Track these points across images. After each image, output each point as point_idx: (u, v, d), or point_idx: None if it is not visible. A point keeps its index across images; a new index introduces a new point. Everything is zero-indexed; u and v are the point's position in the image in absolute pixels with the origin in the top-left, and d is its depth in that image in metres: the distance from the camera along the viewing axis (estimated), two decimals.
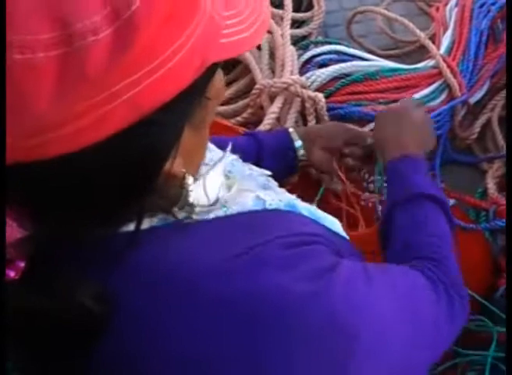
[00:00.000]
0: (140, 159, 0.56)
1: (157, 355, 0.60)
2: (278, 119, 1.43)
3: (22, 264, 0.58)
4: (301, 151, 1.18)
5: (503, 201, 1.32)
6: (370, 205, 1.27)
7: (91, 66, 0.48)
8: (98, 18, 0.47)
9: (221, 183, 0.74)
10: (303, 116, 1.44)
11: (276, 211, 0.74)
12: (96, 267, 0.62)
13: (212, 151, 0.85)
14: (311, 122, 1.41)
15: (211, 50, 0.56)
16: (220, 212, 0.69)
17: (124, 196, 0.58)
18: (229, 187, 0.76)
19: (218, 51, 0.57)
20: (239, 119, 1.51)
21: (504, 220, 1.27)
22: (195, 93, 0.58)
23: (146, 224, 0.63)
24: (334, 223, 0.83)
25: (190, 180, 0.64)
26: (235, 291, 0.61)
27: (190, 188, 0.65)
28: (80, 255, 0.62)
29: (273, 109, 1.41)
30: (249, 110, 1.51)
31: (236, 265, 0.62)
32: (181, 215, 0.67)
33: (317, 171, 1.29)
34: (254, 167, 0.93)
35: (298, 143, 1.18)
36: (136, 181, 0.57)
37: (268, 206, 0.73)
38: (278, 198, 0.76)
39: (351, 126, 1.25)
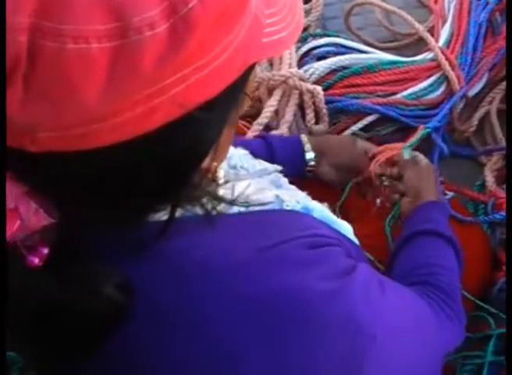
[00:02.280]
0: (181, 155, 0.56)
1: (181, 345, 0.61)
2: (276, 112, 1.43)
3: (45, 251, 0.58)
4: (312, 163, 1.22)
5: (502, 194, 1.32)
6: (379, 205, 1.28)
7: (145, 61, 0.47)
8: (156, 12, 0.47)
9: (247, 185, 0.76)
10: (301, 108, 1.44)
11: (294, 212, 0.76)
12: (120, 256, 0.62)
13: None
14: (310, 115, 1.41)
15: (253, 49, 0.56)
16: (242, 208, 0.70)
17: (161, 190, 0.58)
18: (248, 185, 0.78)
19: (259, 50, 0.57)
20: None
21: (502, 213, 1.27)
22: (236, 91, 0.58)
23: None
24: (345, 228, 0.85)
25: (221, 173, 0.65)
26: (260, 286, 0.62)
27: (220, 181, 0.66)
28: (105, 243, 0.62)
29: (271, 102, 1.41)
30: None
31: (261, 259, 0.63)
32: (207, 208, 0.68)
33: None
34: (264, 162, 0.94)
35: (310, 155, 1.21)
36: (174, 176, 0.57)
37: (285, 206, 0.75)
38: (294, 199, 0.77)
39: (361, 146, 1.27)
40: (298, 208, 0.77)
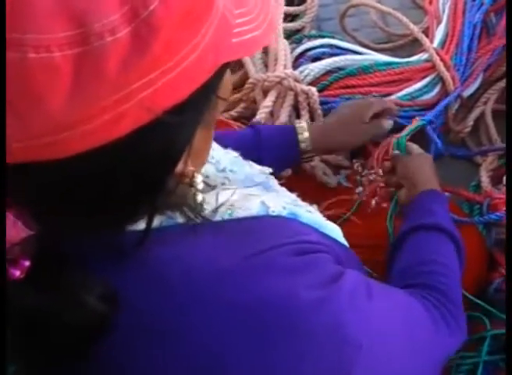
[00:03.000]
0: (154, 160, 0.55)
1: (168, 354, 0.60)
2: (271, 113, 1.43)
3: (27, 263, 0.57)
4: (307, 143, 1.20)
5: (497, 194, 1.32)
6: (364, 198, 1.27)
7: (109, 66, 0.47)
8: (116, 17, 0.47)
9: (232, 192, 0.74)
10: (296, 109, 1.44)
11: (279, 218, 0.74)
12: (103, 266, 0.61)
13: (214, 150, 0.85)
14: (305, 116, 1.41)
15: (223, 49, 0.55)
16: (225, 215, 0.70)
17: (136, 196, 0.58)
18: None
19: (229, 51, 0.57)
20: (232, 113, 1.50)
21: (498, 213, 1.26)
22: (208, 93, 0.57)
23: (154, 223, 0.63)
24: (334, 230, 0.84)
25: (198, 178, 0.64)
26: (245, 293, 0.61)
27: (199, 187, 0.64)
28: (87, 253, 0.61)
29: (266, 103, 1.41)
30: (242, 104, 1.50)
31: (246, 266, 0.62)
32: (189, 215, 0.67)
33: (310, 167, 1.30)
34: (254, 165, 0.93)
35: (305, 135, 1.19)
36: (148, 181, 0.57)
37: (271, 212, 0.73)
38: (280, 204, 0.76)
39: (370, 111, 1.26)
40: (284, 213, 0.75)
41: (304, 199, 0.89)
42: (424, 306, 0.83)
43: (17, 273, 0.57)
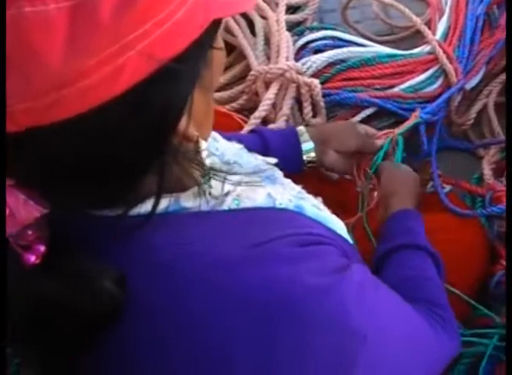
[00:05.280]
0: (155, 116, 0.56)
1: (171, 341, 0.61)
2: (273, 105, 1.43)
3: (42, 248, 0.57)
4: (312, 154, 1.19)
5: (500, 186, 1.32)
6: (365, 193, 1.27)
7: (103, 17, 0.48)
8: None
9: (238, 182, 0.74)
10: (298, 102, 1.44)
11: (285, 210, 0.75)
12: (112, 250, 0.62)
13: (219, 142, 0.85)
14: (307, 108, 1.41)
15: (213, 5, 0.57)
16: (233, 205, 0.70)
17: (142, 159, 0.58)
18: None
19: (219, 7, 0.58)
20: (234, 105, 1.50)
21: (500, 206, 1.26)
22: (202, 49, 0.59)
23: (161, 206, 0.63)
24: (338, 225, 0.84)
25: (203, 144, 0.64)
26: (249, 281, 0.61)
27: (204, 153, 0.64)
28: (96, 236, 0.62)
29: (269, 96, 1.40)
30: (244, 96, 1.50)
31: (251, 255, 0.62)
32: (196, 200, 0.67)
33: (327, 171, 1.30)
34: (259, 156, 0.93)
35: (309, 145, 1.19)
36: (152, 141, 0.57)
37: (277, 205, 0.74)
38: (287, 197, 0.76)
39: (362, 129, 1.27)
40: (291, 206, 0.75)
41: (310, 193, 0.89)
42: (419, 312, 0.83)
43: (32, 258, 0.57)
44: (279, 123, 1.39)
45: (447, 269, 1.08)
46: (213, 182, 0.68)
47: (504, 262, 1.24)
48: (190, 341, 0.60)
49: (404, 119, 1.39)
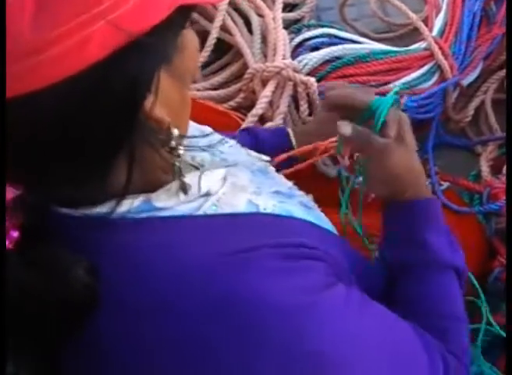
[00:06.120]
0: (122, 89, 0.57)
1: (143, 336, 0.61)
2: (270, 103, 1.43)
3: (15, 234, 0.58)
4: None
5: (497, 183, 1.32)
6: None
7: None
8: None
9: (217, 181, 0.73)
10: (295, 100, 1.44)
11: (271, 215, 0.73)
12: (84, 240, 0.63)
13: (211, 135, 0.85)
14: (304, 106, 1.40)
15: None
16: (210, 210, 0.69)
17: (109, 133, 0.59)
18: (224, 179, 0.75)
19: None
20: (231, 103, 1.50)
21: (498, 203, 1.26)
22: (170, 28, 0.61)
23: (132, 205, 0.64)
24: (329, 224, 0.83)
25: (175, 131, 0.64)
26: (220, 289, 0.60)
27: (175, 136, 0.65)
28: (69, 225, 0.63)
29: (265, 94, 1.40)
30: (241, 95, 1.50)
31: (226, 263, 0.62)
32: (170, 200, 0.67)
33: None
34: (252, 152, 0.93)
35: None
36: (119, 115, 0.58)
37: (262, 210, 0.72)
38: (271, 203, 0.74)
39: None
40: (276, 211, 0.73)
41: (303, 189, 0.88)
42: (421, 340, 0.75)
43: (6, 243, 0.58)
44: (277, 121, 1.39)
45: None
46: (190, 179, 0.68)
47: (503, 260, 1.24)
48: (165, 330, 0.61)
49: None
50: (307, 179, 0.97)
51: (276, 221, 0.73)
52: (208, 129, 0.87)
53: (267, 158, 0.93)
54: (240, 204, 0.71)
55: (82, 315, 0.61)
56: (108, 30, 0.53)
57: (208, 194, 0.70)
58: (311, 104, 1.42)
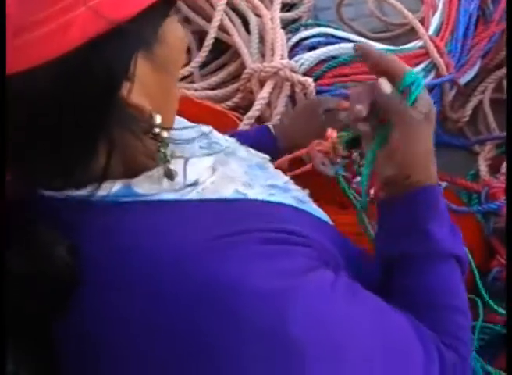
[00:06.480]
0: (99, 74, 0.59)
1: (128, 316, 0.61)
2: (268, 103, 1.43)
3: None
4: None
5: (495, 183, 1.32)
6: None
7: None
8: None
9: (205, 168, 0.73)
10: (292, 100, 1.44)
11: (259, 201, 0.72)
12: (68, 220, 0.64)
13: (195, 127, 0.84)
14: None
15: None
16: (195, 196, 0.69)
17: (89, 120, 0.60)
18: (214, 169, 0.74)
19: None
20: (229, 103, 1.51)
21: (496, 202, 1.26)
22: (150, 19, 0.62)
23: (112, 189, 0.65)
24: (325, 217, 0.82)
25: (157, 118, 0.65)
26: (204, 275, 0.60)
27: (157, 130, 0.65)
28: (52, 207, 0.64)
29: (263, 95, 1.40)
30: (239, 95, 1.50)
31: (211, 248, 0.62)
32: (153, 186, 0.68)
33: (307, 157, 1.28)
34: (251, 149, 0.92)
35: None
36: (96, 100, 0.60)
37: (249, 197, 0.72)
38: (262, 195, 0.74)
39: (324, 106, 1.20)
40: (265, 197, 0.73)
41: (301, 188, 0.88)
42: (420, 334, 0.73)
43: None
44: (274, 122, 1.39)
45: None
46: (175, 166, 0.68)
47: (501, 259, 1.23)
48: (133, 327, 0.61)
49: None
50: (305, 179, 0.97)
51: (264, 207, 0.73)
52: (205, 127, 0.87)
53: (264, 156, 0.92)
54: (226, 193, 0.71)
55: (64, 294, 0.62)
56: (89, 15, 0.55)
57: (195, 184, 0.70)
58: None
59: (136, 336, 0.61)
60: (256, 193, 0.74)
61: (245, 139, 0.99)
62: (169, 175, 0.67)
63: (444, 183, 1.38)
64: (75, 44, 0.56)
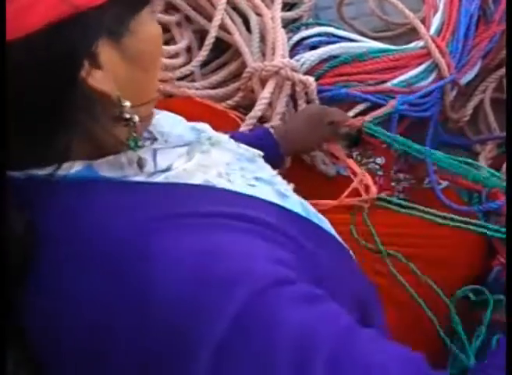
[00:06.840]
0: (60, 56, 0.60)
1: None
2: (269, 103, 1.42)
3: None
4: None
5: None
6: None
7: None
8: None
9: (179, 155, 0.74)
10: (293, 99, 1.44)
11: (210, 187, 0.72)
12: (29, 200, 0.65)
13: (179, 125, 0.84)
14: (302, 105, 1.41)
15: None
16: (162, 180, 0.69)
17: (52, 101, 0.62)
18: (191, 157, 0.75)
19: None
20: (230, 102, 1.51)
21: (497, 202, 1.26)
22: (120, 8, 0.64)
23: (72, 170, 0.66)
24: (311, 210, 0.82)
25: (126, 103, 0.65)
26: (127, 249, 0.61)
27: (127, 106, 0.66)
28: (16, 186, 0.65)
29: (264, 95, 1.40)
30: (240, 93, 1.50)
31: (146, 228, 0.62)
32: (122, 170, 0.68)
33: (309, 157, 1.28)
34: (242, 145, 0.92)
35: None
36: (58, 84, 0.61)
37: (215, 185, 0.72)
38: (242, 182, 0.74)
39: (331, 116, 1.25)
40: (234, 189, 0.73)
41: (302, 189, 0.88)
42: None
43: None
44: (275, 121, 1.39)
45: (444, 264, 1.08)
46: (143, 153, 0.69)
47: (502, 259, 1.23)
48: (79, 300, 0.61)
49: None
50: (307, 179, 0.98)
51: (225, 194, 0.72)
52: (202, 126, 0.86)
53: (258, 152, 0.91)
54: (195, 181, 0.71)
55: (21, 270, 0.63)
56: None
57: (167, 169, 0.71)
58: (309, 103, 1.42)
59: (93, 310, 0.61)
60: (230, 184, 0.73)
61: (247, 144, 0.99)
62: (139, 163, 0.68)
63: (445, 183, 1.38)
64: (38, 24, 0.58)
